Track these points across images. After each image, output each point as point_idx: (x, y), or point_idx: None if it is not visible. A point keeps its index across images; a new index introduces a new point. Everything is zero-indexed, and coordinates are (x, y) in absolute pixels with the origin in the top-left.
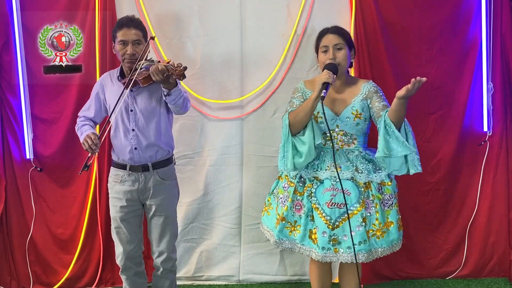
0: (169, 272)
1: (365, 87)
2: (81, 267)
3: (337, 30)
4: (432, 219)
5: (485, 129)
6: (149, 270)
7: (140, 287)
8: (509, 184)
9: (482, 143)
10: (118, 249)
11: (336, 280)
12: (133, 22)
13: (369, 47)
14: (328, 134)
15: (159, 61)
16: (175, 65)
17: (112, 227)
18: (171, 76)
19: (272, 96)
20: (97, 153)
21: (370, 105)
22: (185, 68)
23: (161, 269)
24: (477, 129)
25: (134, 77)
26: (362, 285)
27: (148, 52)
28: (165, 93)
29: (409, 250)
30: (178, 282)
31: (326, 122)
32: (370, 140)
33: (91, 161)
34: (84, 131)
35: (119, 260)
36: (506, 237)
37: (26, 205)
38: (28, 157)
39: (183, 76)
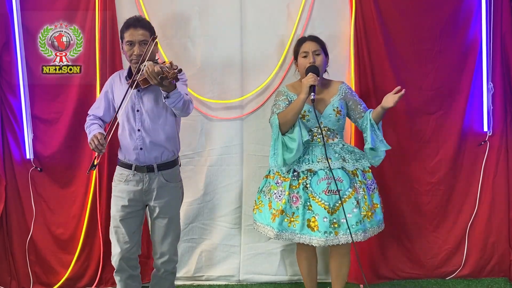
0: (169, 273)
1: (341, 88)
2: (81, 267)
3: (315, 38)
4: (432, 219)
5: (485, 129)
6: (149, 270)
7: None
8: (509, 184)
9: (482, 143)
10: (115, 249)
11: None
12: (140, 23)
13: (369, 47)
14: (313, 131)
15: (163, 62)
16: (171, 67)
17: (111, 226)
18: (165, 78)
19: (272, 96)
20: (103, 153)
21: (349, 106)
22: (180, 70)
23: (162, 270)
24: (477, 129)
25: (136, 78)
26: (362, 286)
27: (157, 52)
28: (164, 96)
29: (409, 250)
30: (178, 282)
31: (318, 120)
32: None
33: (98, 161)
34: (92, 131)
35: (114, 260)
36: (506, 237)
37: (26, 205)
38: (28, 157)
39: (176, 79)
